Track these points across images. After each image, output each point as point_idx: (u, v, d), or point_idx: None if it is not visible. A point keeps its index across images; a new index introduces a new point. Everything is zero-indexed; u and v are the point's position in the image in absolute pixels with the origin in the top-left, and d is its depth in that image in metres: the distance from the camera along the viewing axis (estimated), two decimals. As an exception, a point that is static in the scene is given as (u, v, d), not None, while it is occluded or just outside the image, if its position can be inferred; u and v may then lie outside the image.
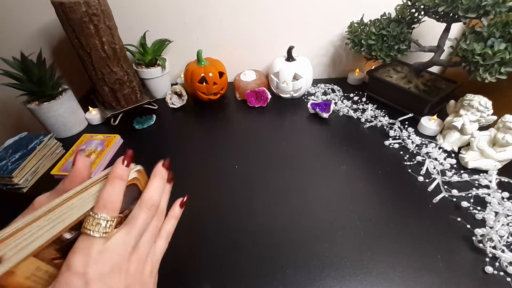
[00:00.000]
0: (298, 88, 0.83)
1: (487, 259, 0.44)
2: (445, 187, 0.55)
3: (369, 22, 0.74)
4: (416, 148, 0.65)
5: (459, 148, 0.64)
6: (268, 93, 0.82)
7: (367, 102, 0.81)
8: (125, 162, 0.24)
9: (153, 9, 0.83)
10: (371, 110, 0.77)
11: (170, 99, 0.84)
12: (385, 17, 0.72)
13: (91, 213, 0.21)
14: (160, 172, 0.27)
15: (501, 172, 0.57)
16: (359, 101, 0.83)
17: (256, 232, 0.50)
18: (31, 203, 0.23)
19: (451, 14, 0.59)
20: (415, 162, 0.62)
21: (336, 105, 0.81)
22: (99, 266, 0.20)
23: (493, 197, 0.52)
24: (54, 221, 0.20)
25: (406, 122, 0.72)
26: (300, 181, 0.59)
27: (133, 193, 0.26)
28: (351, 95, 0.85)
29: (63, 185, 0.24)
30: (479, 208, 0.51)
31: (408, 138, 0.68)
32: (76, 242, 0.21)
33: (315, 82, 0.91)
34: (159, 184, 0.27)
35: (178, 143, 0.73)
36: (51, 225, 0.20)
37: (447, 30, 0.65)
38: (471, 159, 0.59)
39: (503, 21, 0.53)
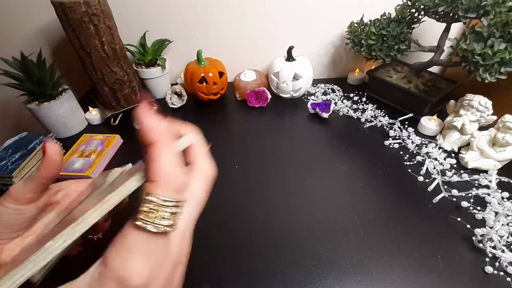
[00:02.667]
0: (298, 88, 0.82)
1: (487, 259, 0.44)
2: (445, 187, 0.55)
3: (369, 22, 0.74)
4: (416, 148, 0.65)
5: (459, 148, 0.64)
6: (268, 93, 0.82)
7: (367, 102, 0.81)
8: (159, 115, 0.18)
9: (153, 9, 0.83)
10: (371, 110, 0.77)
11: (170, 99, 0.84)
12: (385, 17, 0.72)
13: (145, 196, 0.16)
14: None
15: (501, 172, 0.57)
16: (359, 101, 0.83)
17: (256, 232, 0.50)
18: (6, 192, 0.21)
19: (451, 14, 0.59)
20: (415, 162, 0.62)
21: (336, 105, 0.81)
22: (163, 273, 0.16)
23: (493, 197, 0.52)
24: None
25: (406, 122, 0.72)
26: (300, 181, 0.59)
27: None
28: (351, 95, 0.85)
29: (39, 173, 0.21)
30: (479, 208, 0.51)
31: (408, 138, 0.68)
32: (120, 240, 0.15)
33: (315, 82, 0.91)
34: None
35: (178, 143, 0.73)
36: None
37: (447, 30, 0.65)
38: (471, 159, 0.59)
39: (503, 21, 0.53)
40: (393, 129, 0.70)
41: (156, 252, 0.16)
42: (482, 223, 0.49)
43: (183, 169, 0.18)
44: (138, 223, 0.15)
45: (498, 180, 0.55)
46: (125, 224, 0.16)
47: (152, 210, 0.15)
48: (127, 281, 0.15)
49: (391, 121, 0.73)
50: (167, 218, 0.16)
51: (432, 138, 0.67)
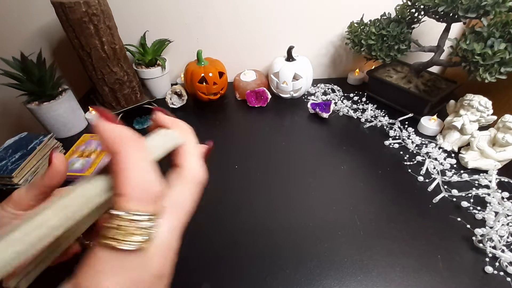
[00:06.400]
0: (298, 88, 0.82)
1: (487, 259, 0.44)
2: (445, 187, 0.55)
3: (369, 22, 0.74)
4: (416, 148, 0.65)
5: (459, 148, 0.64)
6: (268, 93, 0.82)
7: (367, 102, 0.81)
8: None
9: (153, 9, 0.83)
10: (371, 110, 0.77)
11: (170, 99, 0.84)
12: (385, 17, 0.72)
13: (113, 211, 0.14)
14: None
15: (501, 172, 0.57)
16: (359, 101, 0.83)
17: (256, 232, 0.50)
18: (9, 196, 0.20)
19: (451, 14, 0.59)
20: (415, 162, 0.62)
21: (336, 105, 0.81)
22: None
23: (493, 197, 0.52)
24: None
25: (406, 122, 0.72)
26: (300, 181, 0.59)
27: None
28: (351, 95, 0.85)
29: (43, 181, 0.20)
30: (479, 208, 0.51)
31: (408, 138, 0.68)
32: (91, 259, 0.14)
33: (315, 82, 0.91)
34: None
35: (178, 143, 0.73)
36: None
37: (447, 30, 0.65)
38: (471, 159, 0.59)
39: (503, 21, 0.53)
40: (393, 129, 0.70)
41: (131, 269, 0.14)
42: (482, 223, 0.49)
43: (157, 175, 0.16)
44: (106, 241, 0.14)
45: (498, 180, 0.55)
46: (94, 241, 0.15)
47: (121, 227, 0.14)
48: None
49: (391, 121, 0.73)
50: (139, 234, 0.14)
51: (432, 138, 0.67)
